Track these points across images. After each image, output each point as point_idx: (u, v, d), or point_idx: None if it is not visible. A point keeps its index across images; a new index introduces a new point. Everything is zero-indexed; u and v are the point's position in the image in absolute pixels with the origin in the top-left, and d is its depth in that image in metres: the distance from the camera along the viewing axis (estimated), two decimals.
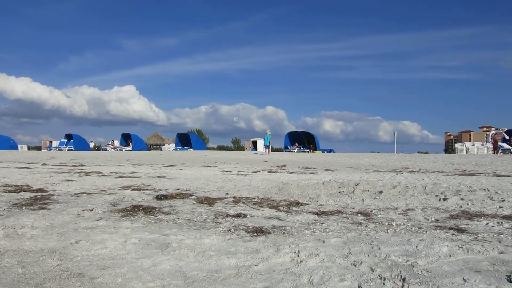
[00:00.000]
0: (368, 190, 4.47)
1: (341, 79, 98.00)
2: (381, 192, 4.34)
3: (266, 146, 20.73)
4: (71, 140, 29.00)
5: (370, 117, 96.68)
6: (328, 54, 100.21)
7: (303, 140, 27.80)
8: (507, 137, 23.07)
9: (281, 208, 3.52)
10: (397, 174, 6.93)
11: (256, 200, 3.97)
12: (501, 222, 2.83)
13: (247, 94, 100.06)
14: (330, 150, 28.11)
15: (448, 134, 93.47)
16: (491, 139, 22.64)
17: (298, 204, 3.72)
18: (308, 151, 25.40)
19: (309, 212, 3.32)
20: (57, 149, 27.82)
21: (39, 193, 4.18)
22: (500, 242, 2.32)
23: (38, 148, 30.87)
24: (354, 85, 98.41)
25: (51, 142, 29.64)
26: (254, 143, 32.25)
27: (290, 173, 7.63)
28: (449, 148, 73.89)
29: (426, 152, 32.40)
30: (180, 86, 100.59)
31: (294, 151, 25.16)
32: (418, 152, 29.68)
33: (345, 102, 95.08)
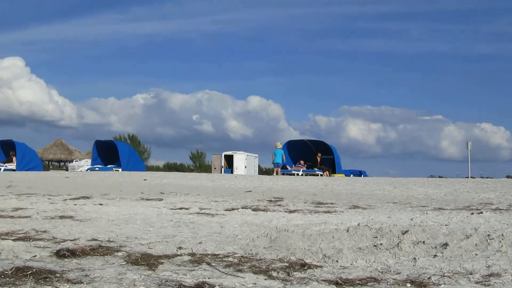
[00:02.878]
0: (423, 242, 4.54)
1: (375, 53, 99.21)
2: (445, 245, 4.42)
3: (277, 165, 23.77)
4: None
5: (427, 117, 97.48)
6: (354, 10, 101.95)
7: (313, 156, 28.01)
8: None
9: (275, 274, 3.47)
10: (472, 214, 7.10)
11: (231, 259, 4.02)
12: None
13: (216, 75, 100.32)
14: (359, 173, 28.45)
15: None
16: None
17: (303, 266, 3.68)
18: (321, 174, 25.68)
19: (323, 280, 3.34)
20: None
21: None
22: None
23: None
24: (398, 63, 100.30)
25: None
26: (229, 159, 32.74)
27: (291, 211, 7.73)
28: None
29: None
30: (101, 59, 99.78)
31: (297, 174, 25.35)
32: (507, 177, 30.36)
33: (383, 92, 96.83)
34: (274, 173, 24.07)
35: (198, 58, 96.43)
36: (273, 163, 24.92)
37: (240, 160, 32.29)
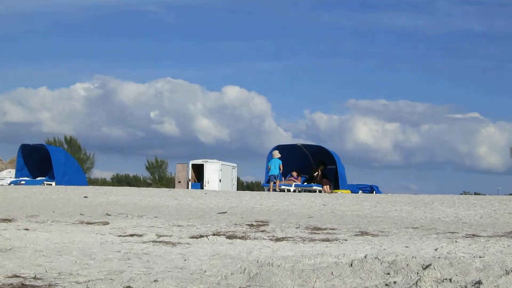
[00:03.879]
0: (450, 280, 4.55)
1: (393, 31, 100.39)
2: (478, 283, 4.43)
3: (274, 178, 24.88)
4: None
5: (459, 115, 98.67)
6: None
7: (309, 165, 28.14)
8: None
9: None
10: None
11: None
12: None
13: (181, 59, 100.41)
14: (369, 189, 28.45)
15: None
16: None
17: None
18: (319, 190, 25.70)
19: None
20: None
21: None
22: None
23: None
24: (422, 45, 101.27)
25: None
26: (199, 170, 32.85)
27: (278, 240, 7.74)
28: None
29: None
30: (29, 38, 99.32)
31: (288, 190, 25.38)
32: None
33: (402, 82, 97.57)
34: (269, 189, 24.69)
35: (158, 36, 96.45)
36: (268, 175, 25.33)
37: (213, 171, 32.31)
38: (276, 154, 25.47)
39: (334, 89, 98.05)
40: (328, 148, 28.58)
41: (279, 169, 25.04)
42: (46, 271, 5.04)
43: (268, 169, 25.67)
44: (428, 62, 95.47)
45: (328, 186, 25.93)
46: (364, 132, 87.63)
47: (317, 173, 26.54)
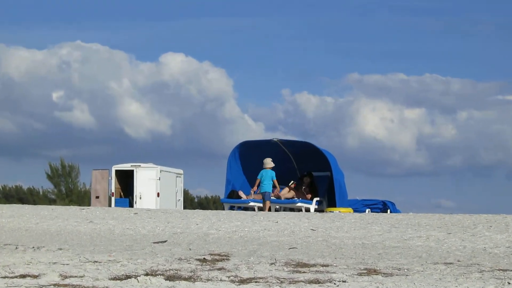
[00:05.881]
0: None
1: None
2: None
3: (266, 196, 25.60)
4: None
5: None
6: None
7: (291, 171, 28.31)
8: None
9: None
10: None
11: None
12: None
13: (97, 14, 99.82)
14: (380, 206, 28.51)
15: None
16: None
17: None
18: (307, 207, 25.77)
19: None
20: None
21: None
22: None
23: None
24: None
25: None
26: (126, 179, 33.14)
27: (242, 282, 7.77)
28: None
29: None
30: None
31: (259, 206, 25.73)
32: None
33: (427, 50, 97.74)
34: (266, 209, 25.25)
35: None
36: (260, 192, 25.80)
37: (148, 180, 32.46)
38: (268, 163, 25.72)
39: (328, 58, 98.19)
40: (319, 146, 28.67)
41: (273, 184, 25.53)
42: None
43: (257, 184, 25.95)
44: (469, 19, 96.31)
45: (312, 198, 26.06)
46: (373, 122, 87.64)
47: (307, 181, 26.63)
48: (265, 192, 25.23)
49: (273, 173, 25.32)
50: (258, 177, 25.96)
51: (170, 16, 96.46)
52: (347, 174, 28.55)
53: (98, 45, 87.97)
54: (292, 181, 26.76)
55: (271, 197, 25.81)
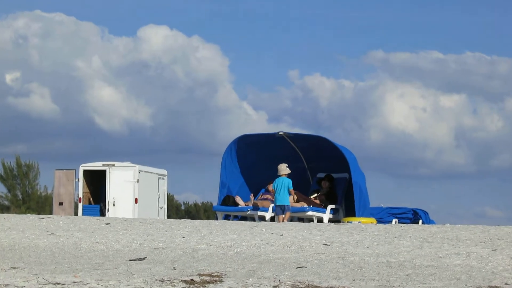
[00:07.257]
0: None
1: None
2: None
3: (281, 210, 26.01)
4: None
5: None
6: None
7: (300, 171, 28.40)
8: None
9: None
10: None
11: None
12: None
13: None
14: (410, 216, 28.78)
15: None
16: None
17: None
18: (320, 216, 25.90)
19: None
20: None
21: None
22: None
23: None
24: None
25: None
26: (97, 182, 33.56)
27: None
28: None
29: None
30: None
31: (262, 215, 26.05)
32: None
33: (470, 22, 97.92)
34: (280, 220, 25.31)
35: None
36: (275, 205, 25.97)
37: (123, 183, 32.76)
38: (284, 169, 25.74)
39: (345, 32, 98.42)
40: (334, 142, 28.87)
41: (289, 195, 25.67)
42: None
43: (271, 193, 26.27)
44: None
45: (323, 205, 26.20)
46: (401, 112, 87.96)
47: (325, 187, 26.78)
48: (282, 205, 25.34)
49: (290, 182, 25.38)
50: (273, 187, 26.10)
51: None
52: (369, 176, 28.69)
53: (62, 15, 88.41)
54: (315, 194, 26.83)
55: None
